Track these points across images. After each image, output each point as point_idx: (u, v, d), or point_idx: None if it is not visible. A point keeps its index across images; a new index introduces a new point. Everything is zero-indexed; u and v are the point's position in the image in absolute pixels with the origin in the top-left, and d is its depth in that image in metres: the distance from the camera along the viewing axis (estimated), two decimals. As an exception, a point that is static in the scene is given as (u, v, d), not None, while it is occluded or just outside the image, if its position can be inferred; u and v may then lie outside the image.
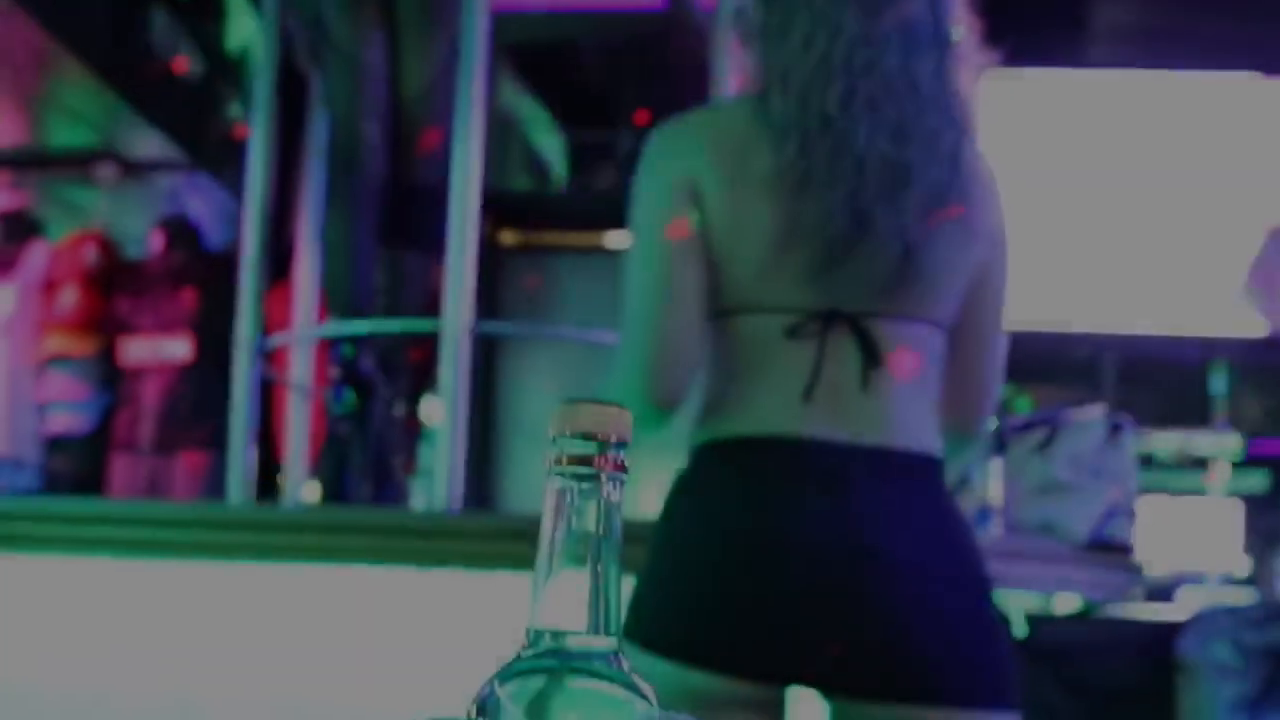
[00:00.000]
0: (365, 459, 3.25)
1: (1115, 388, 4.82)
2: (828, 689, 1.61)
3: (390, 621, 2.54)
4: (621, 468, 0.65)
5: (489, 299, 5.40)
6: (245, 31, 5.64)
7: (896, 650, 1.57)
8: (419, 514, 2.90)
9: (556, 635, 0.63)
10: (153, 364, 4.82)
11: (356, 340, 3.18)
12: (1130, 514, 2.51)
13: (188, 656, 2.60)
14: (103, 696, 2.61)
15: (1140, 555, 2.67)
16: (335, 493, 3.18)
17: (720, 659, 1.58)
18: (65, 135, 5.48)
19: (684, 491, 1.71)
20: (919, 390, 1.69)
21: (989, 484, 2.56)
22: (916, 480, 1.66)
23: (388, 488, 3.18)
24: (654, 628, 1.61)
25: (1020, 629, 2.85)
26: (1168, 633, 3.64)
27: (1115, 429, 2.54)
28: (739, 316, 1.69)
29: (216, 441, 4.19)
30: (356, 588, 2.57)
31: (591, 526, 0.64)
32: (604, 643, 0.63)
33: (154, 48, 5.35)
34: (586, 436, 0.64)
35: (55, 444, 4.92)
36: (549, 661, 0.62)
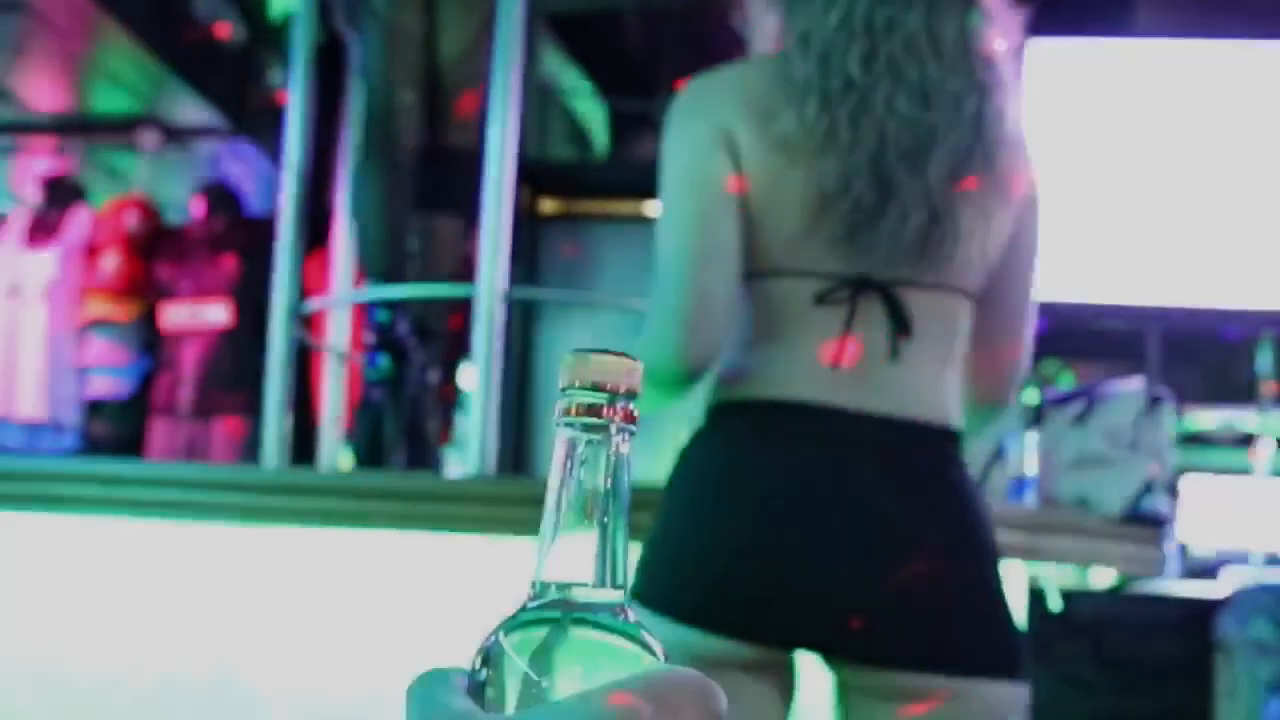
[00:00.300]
0: (399, 425, 3.26)
1: (1160, 364, 4.77)
2: (830, 654, 1.61)
3: (422, 586, 2.55)
4: (631, 419, 0.64)
5: (529, 267, 5.41)
6: (288, -1, 5.65)
7: (899, 618, 1.57)
8: (451, 480, 2.90)
9: (562, 587, 0.62)
10: (192, 329, 4.85)
11: (393, 306, 3.18)
12: (1167, 488, 2.48)
13: (222, 618, 2.62)
14: (139, 657, 2.64)
15: (1180, 531, 2.64)
16: (369, 458, 3.18)
17: (723, 620, 1.57)
18: (108, 101, 5.51)
19: (696, 451, 1.70)
20: (943, 360, 1.67)
21: (1025, 456, 2.53)
22: (930, 451, 1.65)
23: (420, 454, 3.18)
24: (658, 587, 1.61)
25: (1055, 603, 2.83)
26: (1206, 610, 3.61)
27: (1153, 402, 2.51)
28: (769, 280, 1.67)
29: (254, 407, 4.22)
30: (389, 553, 2.58)
31: (600, 478, 0.63)
32: (610, 595, 0.63)
33: (196, 14, 5.36)
34: (596, 387, 0.63)
35: (95, 408, 4.97)
36: (554, 613, 0.62)
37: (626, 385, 0.63)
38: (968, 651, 1.59)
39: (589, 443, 0.63)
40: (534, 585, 0.63)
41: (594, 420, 0.63)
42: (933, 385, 1.66)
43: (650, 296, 1.69)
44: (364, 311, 4.05)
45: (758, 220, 1.67)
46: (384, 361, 3.24)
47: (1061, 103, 4.79)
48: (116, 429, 4.91)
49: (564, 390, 0.63)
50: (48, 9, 4.75)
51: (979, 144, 1.63)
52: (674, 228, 1.67)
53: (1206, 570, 5.60)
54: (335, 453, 3.39)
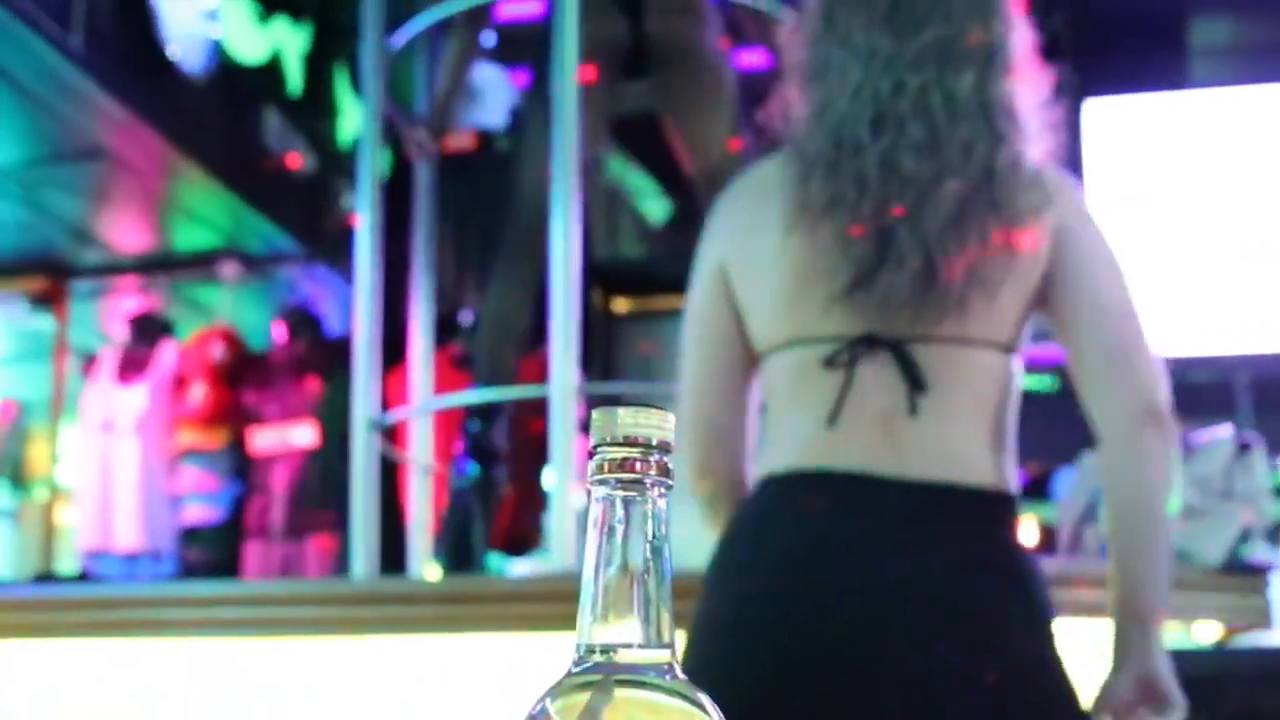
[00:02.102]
0: (486, 530, 3.27)
1: (1250, 413, 4.66)
2: None
3: (512, 685, 2.54)
4: (666, 473, 0.63)
5: (605, 367, 5.43)
6: (355, 125, 5.80)
7: (936, 700, 1.49)
8: (534, 579, 2.90)
9: (606, 649, 0.62)
10: (281, 451, 4.92)
11: (487, 413, 3.21)
12: (1267, 535, 2.41)
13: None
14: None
15: (1283, 580, 2.55)
16: (457, 564, 3.19)
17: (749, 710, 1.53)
18: (188, 237, 5.67)
19: (726, 533, 1.69)
20: (974, 417, 1.60)
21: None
22: (963, 513, 1.57)
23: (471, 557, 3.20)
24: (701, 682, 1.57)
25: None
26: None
27: (1243, 448, 2.45)
28: (778, 353, 1.67)
29: (345, 523, 4.26)
30: (478, 656, 2.58)
31: (638, 537, 0.62)
32: (657, 655, 0.61)
33: (268, 147, 5.52)
34: (629, 442, 0.62)
35: (190, 535, 5.05)
36: (597, 676, 0.61)
37: (660, 438, 0.62)
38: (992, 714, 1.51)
39: (625, 500, 0.62)
40: (578, 649, 0.62)
41: (629, 476, 0.62)
42: (963, 444, 1.59)
43: None
44: (450, 422, 4.10)
45: (749, 301, 1.69)
46: (473, 469, 3.26)
47: (1126, 160, 4.75)
48: (212, 554, 4.97)
49: (595, 448, 0.62)
50: (128, 153, 4.92)
51: (987, 189, 1.58)
52: (683, 356, 1.75)
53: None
54: (423, 562, 3.40)
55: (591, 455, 0.63)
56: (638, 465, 0.62)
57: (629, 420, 0.61)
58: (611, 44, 3.20)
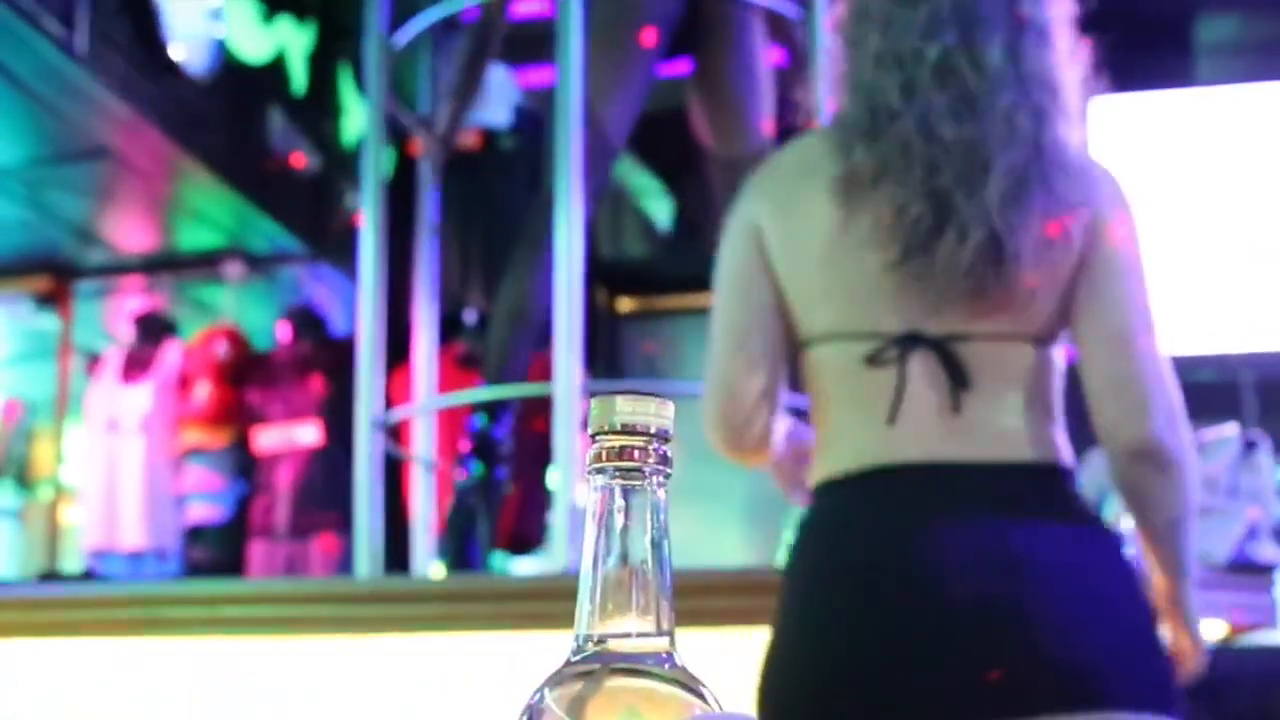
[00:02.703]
0: (491, 528, 3.27)
1: (1256, 412, 4.65)
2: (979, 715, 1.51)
3: (521, 685, 2.53)
4: (665, 461, 0.62)
5: (610, 367, 5.43)
6: (359, 125, 5.80)
7: (1057, 661, 1.48)
8: (535, 577, 2.90)
9: (604, 639, 0.61)
10: (285, 450, 4.92)
11: (494, 410, 3.21)
12: (1273, 533, 2.40)
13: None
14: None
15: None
16: (461, 563, 3.19)
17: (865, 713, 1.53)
18: (193, 237, 5.67)
19: (799, 544, 1.67)
20: (1019, 405, 1.60)
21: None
22: (1036, 489, 1.59)
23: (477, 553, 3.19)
24: (787, 696, 1.56)
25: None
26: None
27: (1249, 446, 2.44)
28: (819, 346, 1.67)
29: (350, 523, 4.25)
30: (482, 655, 2.57)
31: (635, 524, 0.62)
32: (655, 643, 0.61)
33: (272, 146, 5.52)
34: (626, 429, 0.61)
35: (195, 534, 5.05)
36: (594, 665, 0.60)
37: (658, 426, 0.62)
38: (1132, 684, 1.51)
39: (624, 489, 0.62)
40: (577, 639, 0.62)
41: (627, 465, 0.62)
42: (1016, 425, 1.59)
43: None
44: (454, 421, 4.09)
45: (793, 287, 1.67)
46: (477, 468, 3.26)
47: (1131, 157, 4.75)
48: (216, 553, 4.98)
49: (594, 436, 0.62)
50: (132, 153, 4.92)
51: (1037, 166, 1.57)
52: (714, 320, 1.73)
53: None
54: (426, 560, 3.40)
55: (590, 444, 0.63)
56: (636, 453, 0.61)
57: (627, 408, 0.61)
58: (667, 15, 3.20)
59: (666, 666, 0.61)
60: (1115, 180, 1.67)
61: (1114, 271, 1.62)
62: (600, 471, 0.62)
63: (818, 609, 1.59)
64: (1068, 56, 1.65)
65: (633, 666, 0.60)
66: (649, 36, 3.12)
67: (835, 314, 1.65)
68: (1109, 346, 1.61)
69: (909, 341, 1.60)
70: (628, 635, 0.61)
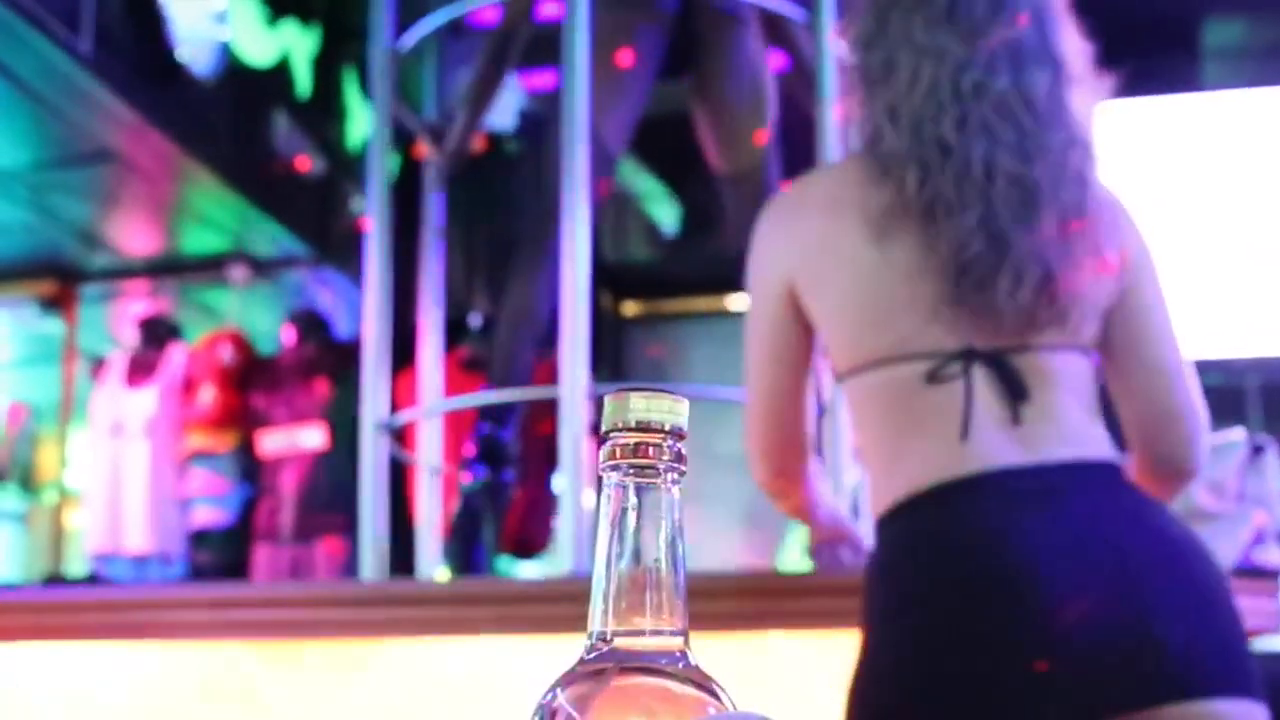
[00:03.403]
0: (497, 532, 3.27)
1: (1261, 418, 4.64)
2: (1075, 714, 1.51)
3: (528, 689, 2.53)
4: (679, 459, 0.62)
5: (614, 370, 5.43)
6: (364, 128, 5.80)
7: (1173, 647, 1.48)
8: (545, 580, 2.89)
9: (617, 637, 0.61)
10: (289, 454, 4.92)
11: (500, 414, 3.20)
12: (1278, 538, 2.39)
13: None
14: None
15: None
16: (467, 566, 3.19)
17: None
18: (197, 241, 5.68)
19: (875, 573, 1.65)
20: (1078, 409, 1.63)
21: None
22: (1110, 482, 1.61)
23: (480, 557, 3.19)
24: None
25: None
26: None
27: (1256, 451, 2.44)
28: (869, 372, 1.66)
29: (354, 527, 4.25)
30: (489, 659, 2.57)
31: (649, 523, 0.61)
32: (668, 642, 0.61)
33: (277, 149, 5.53)
34: (641, 427, 0.61)
35: (199, 538, 5.05)
36: (610, 664, 0.60)
37: (673, 423, 0.61)
38: (1223, 669, 1.50)
39: (638, 487, 0.62)
40: (590, 637, 0.62)
41: (642, 462, 0.61)
42: (1077, 430, 1.61)
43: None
44: (458, 425, 4.09)
45: (838, 325, 1.68)
46: (484, 471, 3.25)
47: (1137, 163, 4.74)
48: (221, 557, 4.98)
49: (607, 434, 0.62)
50: (136, 156, 4.92)
51: (1085, 199, 1.61)
52: (748, 376, 1.78)
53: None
54: (432, 564, 3.40)
55: (603, 441, 0.62)
56: (651, 451, 0.61)
57: (642, 405, 0.60)
58: (655, 34, 3.20)
59: (680, 666, 0.60)
60: (1129, 209, 1.72)
61: (1153, 305, 1.69)
62: (614, 469, 0.62)
63: (928, 625, 1.56)
64: (1089, 88, 1.67)
65: (647, 665, 0.59)
66: (625, 57, 3.12)
67: (888, 339, 1.64)
68: (1158, 380, 1.69)
69: (969, 356, 1.61)
70: (641, 634, 0.60)
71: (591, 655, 0.61)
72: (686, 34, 3.22)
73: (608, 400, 0.61)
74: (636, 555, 0.61)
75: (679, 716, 0.57)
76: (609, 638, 0.61)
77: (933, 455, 1.60)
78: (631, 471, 0.61)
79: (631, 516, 0.61)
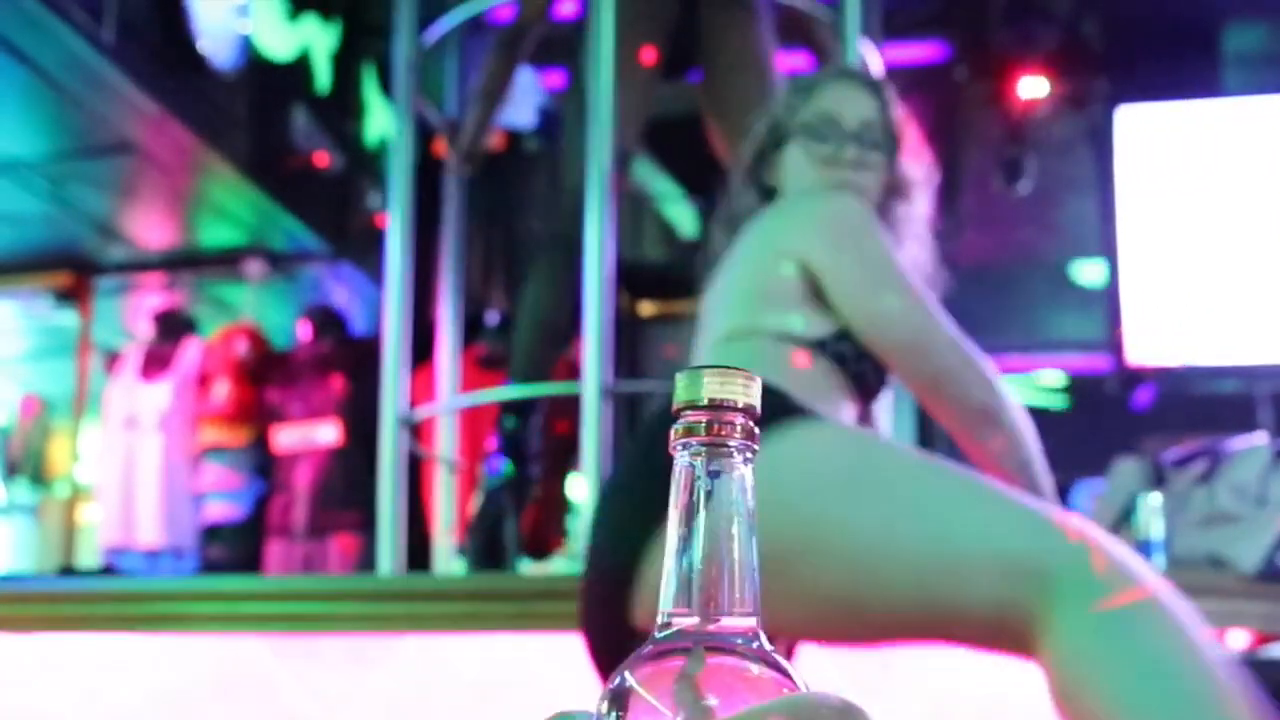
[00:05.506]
0: (517, 528, 3.26)
1: (1272, 425, 4.61)
2: None
3: (544, 685, 2.52)
4: (751, 436, 0.61)
5: (630, 369, 5.42)
6: (382, 124, 5.80)
7: None
8: (557, 577, 2.89)
9: (689, 617, 0.60)
10: (304, 450, 4.91)
11: (520, 412, 3.20)
12: (1303, 543, 2.38)
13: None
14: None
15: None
16: (487, 562, 3.18)
17: None
18: (214, 235, 5.67)
19: None
20: None
21: (1149, 519, 2.45)
22: None
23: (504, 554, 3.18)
24: None
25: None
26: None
27: (1279, 455, 2.42)
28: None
29: (368, 524, 4.24)
30: (505, 655, 2.56)
31: (725, 503, 0.60)
32: (742, 622, 0.60)
33: (295, 145, 5.52)
34: (713, 404, 0.60)
35: (212, 532, 5.04)
36: (684, 643, 0.59)
37: (745, 401, 0.60)
38: None
39: (712, 467, 0.61)
40: (661, 616, 0.61)
41: (716, 440, 0.60)
42: None
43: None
44: (474, 423, 4.08)
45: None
46: (507, 467, 3.25)
47: (1159, 167, 4.73)
48: (233, 552, 4.97)
49: (679, 412, 0.61)
50: (155, 148, 4.92)
51: None
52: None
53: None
54: (448, 559, 3.39)
55: (674, 420, 0.61)
56: (724, 429, 0.60)
57: (715, 383, 0.60)
58: (665, 35, 3.19)
59: (755, 646, 0.59)
60: None
61: None
62: (686, 448, 0.61)
63: None
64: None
65: (723, 645, 0.58)
66: (648, 55, 3.12)
67: None
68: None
69: None
70: (716, 614, 0.59)
71: (663, 634, 0.60)
72: (695, 24, 3.22)
73: (679, 378, 0.60)
74: (711, 537, 0.60)
75: (759, 697, 0.56)
76: (682, 618, 0.60)
77: None
78: (703, 450, 0.60)
79: (703, 495, 0.60)
